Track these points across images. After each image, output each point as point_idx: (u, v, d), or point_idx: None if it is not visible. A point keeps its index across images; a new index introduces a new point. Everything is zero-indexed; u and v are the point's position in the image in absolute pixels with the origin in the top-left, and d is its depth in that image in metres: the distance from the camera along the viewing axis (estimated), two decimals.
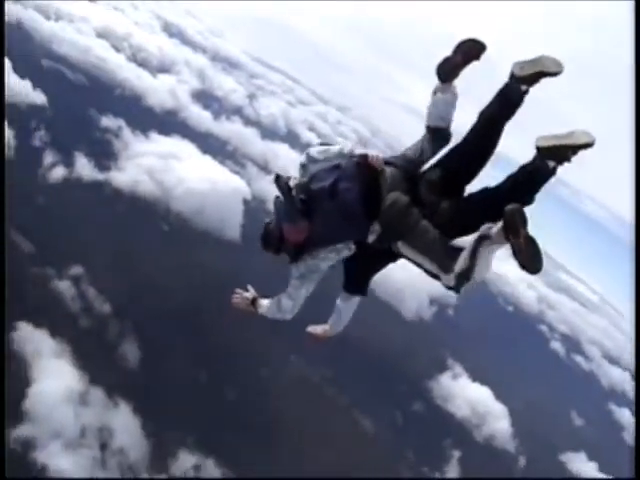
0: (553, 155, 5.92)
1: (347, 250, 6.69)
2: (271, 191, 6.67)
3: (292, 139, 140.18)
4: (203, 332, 60.18)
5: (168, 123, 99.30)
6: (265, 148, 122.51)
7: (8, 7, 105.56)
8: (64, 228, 61.12)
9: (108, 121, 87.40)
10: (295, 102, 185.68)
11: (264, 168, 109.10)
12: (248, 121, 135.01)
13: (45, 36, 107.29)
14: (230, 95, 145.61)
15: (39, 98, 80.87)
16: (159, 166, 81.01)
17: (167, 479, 47.70)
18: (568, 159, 5.98)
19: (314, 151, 6.93)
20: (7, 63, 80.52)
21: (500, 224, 5.65)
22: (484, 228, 5.85)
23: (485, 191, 6.47)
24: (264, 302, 7.57)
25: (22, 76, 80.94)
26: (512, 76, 6.18)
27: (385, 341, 76.00)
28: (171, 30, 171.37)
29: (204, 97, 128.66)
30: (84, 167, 73.60)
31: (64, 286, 56.53)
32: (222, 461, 50.69)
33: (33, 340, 48.92)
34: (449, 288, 6.18)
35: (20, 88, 79.67)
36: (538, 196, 6.37)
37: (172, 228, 73.28)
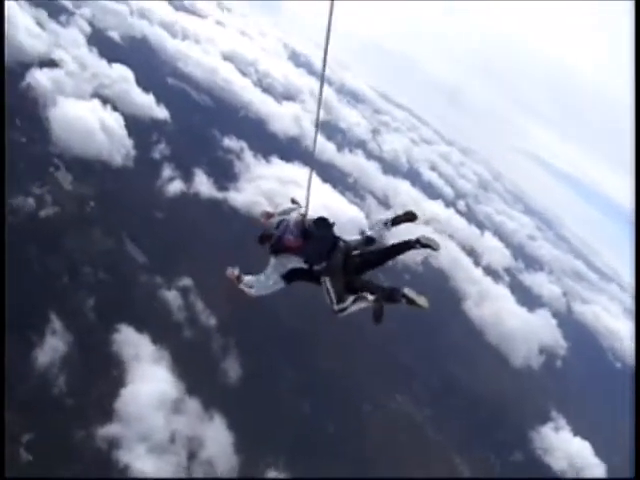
0: (409, 302, 9.91)
1: (303, 264, 10.92)
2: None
3: (413, 177, 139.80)
4: (310, 361, 59.42)
5: (290, 150, 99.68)
6: (386, 183, 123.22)
7: (132, 21, 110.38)
8: (177, 240, 61.65)
9: (230, 142, 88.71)
10: (419, 140, 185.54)
11: (384, 202, 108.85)
12: (370, 155, 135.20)
13: (171, 54, 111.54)
14: (354, 128, 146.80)
15: (162, 113, 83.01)
16: (278, 190, 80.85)
17: None
18: (412, 305, 9.93)
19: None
20: (130, 75, 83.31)
21: (373, 298, 10.11)
22: (367, 294, 10.28)
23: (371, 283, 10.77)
24: (246, 277, 11.48)
25: (146, 90, 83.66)
26: (417, 240, 10.62)
27: (491, 385, 74.30)
28: (298, 59, 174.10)
29: (328, 128, 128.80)
30: (203, 184, 74.52)
31: (171, 296, 56.72)
32: None
33: (134, 343, 49.09)
34: (333, 311, 10.53)
35: (143, 101, 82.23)
36: None
37: None
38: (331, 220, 11.27)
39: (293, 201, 12.24)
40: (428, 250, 10.86)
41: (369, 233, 11.45)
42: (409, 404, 63.99)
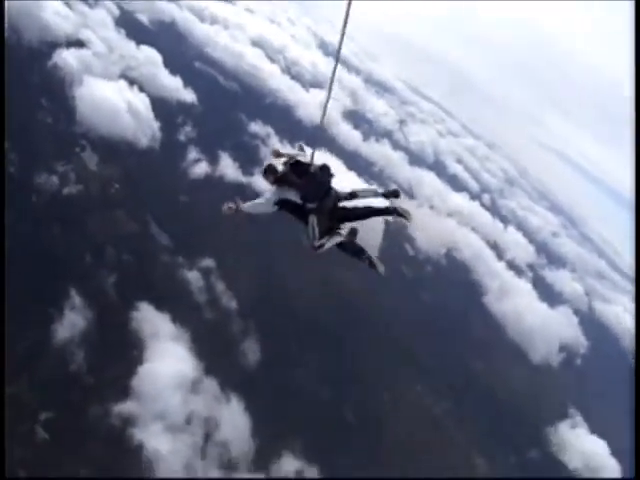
0: (370, 264, 12.71)
1: (298, 198, 12.54)
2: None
3: (439, 168, 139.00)
4: (331, 349, 59.41)
5: (316, 137, 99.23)
6: (411, 174, 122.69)
7: (162, 5, 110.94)
8: (201, 222, 61.35)
9: (257, 127, 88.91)
10: (445, 133, 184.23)
11: (408, 193, 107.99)
12: (397, 145, 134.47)
13: (199, 38, 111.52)
14: (381, 118, 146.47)
15: (189, 96, 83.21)
16: None
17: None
18: (371, 267, 12.73)
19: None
20: (158, 58, 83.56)
21: (347, 231, 12.61)
22: (341, 230, 12.60)
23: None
24: (245, 203, 12.79)
25: (173, 73, 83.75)
26: (395, 209, 12.63)
27: (509, 381, 74.19)
28: (327, 48, 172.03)
29: (355, 117, 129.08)
30: (228, 167, 74.76)
31: (193, 276, 57.05)
32: (327, 471, 49.38)
33: (153, 322, 49.33)
34: (312, 247, 12.40)
35: (170, 84, 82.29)
36: None
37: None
38: (332, 170, 12.92)
39: (301, 147, 14.24)
40: (402, 220, 12.73)
41: (354, 189, 13.19)
42: (429, 396, 63.68)
